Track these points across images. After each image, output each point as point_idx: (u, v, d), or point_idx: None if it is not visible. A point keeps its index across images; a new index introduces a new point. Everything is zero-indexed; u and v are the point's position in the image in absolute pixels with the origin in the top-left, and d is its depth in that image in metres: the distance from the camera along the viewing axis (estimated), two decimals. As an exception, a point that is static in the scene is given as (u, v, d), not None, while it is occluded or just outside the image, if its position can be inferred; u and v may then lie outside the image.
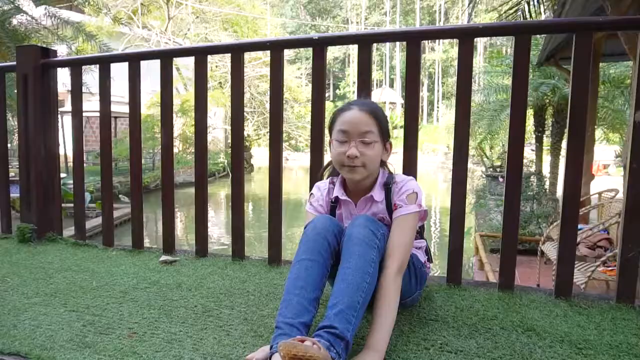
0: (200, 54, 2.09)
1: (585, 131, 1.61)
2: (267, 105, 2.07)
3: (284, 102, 2.00)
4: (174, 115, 2.36)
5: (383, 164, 1.43)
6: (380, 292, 1.19)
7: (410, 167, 1.78)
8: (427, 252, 1.55)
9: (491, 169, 11.91)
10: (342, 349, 1.06)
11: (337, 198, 1.44)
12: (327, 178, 1.52)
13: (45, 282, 1.76)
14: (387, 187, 1.39)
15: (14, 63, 2.38)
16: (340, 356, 1.05)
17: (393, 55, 41.52)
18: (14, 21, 7.18)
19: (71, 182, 2.50)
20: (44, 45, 2.47)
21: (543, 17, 5.37)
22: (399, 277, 1.23)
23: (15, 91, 2.42)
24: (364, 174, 1.35)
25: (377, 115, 1.34)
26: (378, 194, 1.38)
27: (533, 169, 8.76)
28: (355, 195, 1.42)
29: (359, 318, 1.12)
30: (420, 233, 1.49)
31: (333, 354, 1.03)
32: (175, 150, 13.72)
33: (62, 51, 7.43)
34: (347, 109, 1.36)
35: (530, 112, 8.74)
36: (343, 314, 1.09)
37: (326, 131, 1.91)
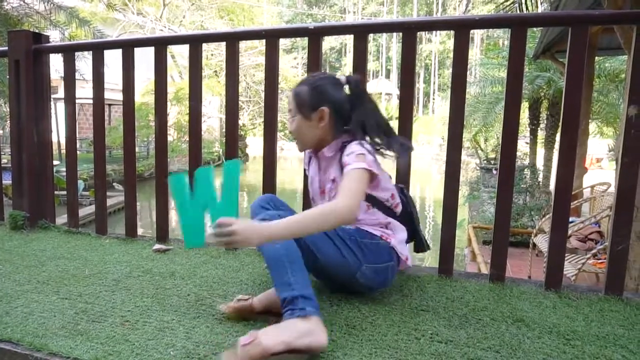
0: (195, 42, 2.07)
1: (578, 125, 1.62)
2: (263, 95, 2.06)
3: (279, 91, 1.99)
4: (169, 103, 2.34)
5: (340, 132, 1.45)
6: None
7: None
8: (419, 242, 1.61)
9: (485, 161, 11.94)
10: (301, 305, 1.16)
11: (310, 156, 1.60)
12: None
13: (37, 270, 1.76)
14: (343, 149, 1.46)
15: (6, 48, 2.35)
16: (304, 309, 1.16)
17: (390, 46, 41.35)
18: (6, 5, 7.07)
19: (64, 169, 2.48)
20: (37, 31, 2.43)
21: (540, 9, 5.36)
22: (332, 211, 1.23)
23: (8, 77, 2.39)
24: (300, 145, 1.52)
25: (296, 92, 1.45)
26: (327, 150, 1.47)
27: (527, 161, 8.79)
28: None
29: (294, 271, 1.22)
30: (392, 216, 1.51)
31: (299, 313, 1.15)
32: (170, 138, 13.63)
33: (55, 37, 7.33)
34: None
35: (525, 105, 8.76)
36: (277, 284, 1.23)
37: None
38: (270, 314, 1.32)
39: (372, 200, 1.46)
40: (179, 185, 1.26)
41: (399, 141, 1.45)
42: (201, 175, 1.26)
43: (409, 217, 1.60)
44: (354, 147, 1.36)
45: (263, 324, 1.28)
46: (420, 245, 1.68)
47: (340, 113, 1.44)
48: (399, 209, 1.54)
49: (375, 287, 1.48)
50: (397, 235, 1.50)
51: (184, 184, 1.27)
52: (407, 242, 1.58)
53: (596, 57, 5.99)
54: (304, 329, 1.12)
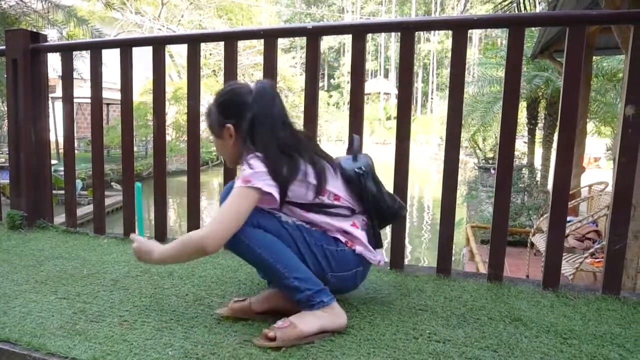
0: (194, 42, 2.07)
1: (576, 124, 1.63)
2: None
3: (278, 91, 1.99)
4: (167, 103, 2.34)
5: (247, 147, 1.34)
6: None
7: (402, 158, 1.79)
8: (373, 235, 1.42)
9: (484, 161, 11.96)
10: (317, 299, 1.24)
11: None
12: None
13: (35, 270, 1.76)
14: None
15: (3, 47, 2.34)
16: (322, 301, 1.25)
17: (388, 45, 41.37)
18: (4, 4, 7.05)
19: (62, 168, 2.48)
20: (34, 30, 2.43)
21: (538, 9, 5.37)
22: (189, 241, 1.25)
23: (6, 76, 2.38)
24: (229, 163, 1.51)
25: (206, 112, 1.44)
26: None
27: (525, 161, 8.81)
28: None
29: (291, 271, 1.25)
30: (342, 215, 1.37)
31: (318, 306, 1.25)
32: (168, 138, 13.61)
33: (52, 36, 7.31)
34: None
35: (523, 105, 8.77)
36: (282, 289, 1.30)
37: (319, 121, 1.91)
38: (271, 314, 1.32)
39: (300, 207, 1.34)
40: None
41: (289, 164, 1.29)
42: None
43: (371, 203, 1.42)
44: (245, 164, 1.29)
45: (261, 323, 1.29)
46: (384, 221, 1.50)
47: (245, 126, 1.32)
48: (342, 200, 1.37)
49: (342, 291, 1.42)
50: (361, 240, 1.37)
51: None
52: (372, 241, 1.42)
53: (594, 57, 6.00)
54: (327, 315, 1.25)
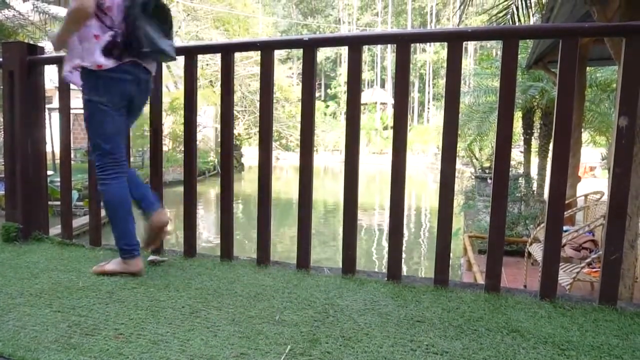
0: (190, 54, 2.08)
1: (570, 134, 1.64)
2: (258, 105, 2.06)
3: (274, 101, 2.00)
4: (164, 113, 2.35)
5: None
6: None
7: (398, 169, 1.79)
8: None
9: (480, 170, 11.99)
10: (122, 255, 1.86)
11: None
12: None
13: (30, 282, 1.74)
14: None
15: (0, 59, 2.35)
16: (125, 257, 1.85)
17: (384, 56, 41.67)
18: (0, 16, 7.08)
19: (58, 179, 2.47)
20: (32, 42, 2.44)
21: (532, 20, 5.43)
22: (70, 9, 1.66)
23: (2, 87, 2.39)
24: None
25: None
26: None
27: (521, 170, 8.84)
28: None
29: (117, 226, 1.92)
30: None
31: (121, 259, 1.88)
32: (165, 148, 13.61)
33: (50, 47, 7.34)
34: None
35: (519, 115, 8.83)
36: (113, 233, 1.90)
37: (317, 131, 1.93)
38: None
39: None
40: None
41: None
42: None
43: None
44: None
45: (257, 336, 1.28)
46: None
47: None
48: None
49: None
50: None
51: None
52: None
53: (588, 67, 6.06)
54: (123, 264, 1.85)
